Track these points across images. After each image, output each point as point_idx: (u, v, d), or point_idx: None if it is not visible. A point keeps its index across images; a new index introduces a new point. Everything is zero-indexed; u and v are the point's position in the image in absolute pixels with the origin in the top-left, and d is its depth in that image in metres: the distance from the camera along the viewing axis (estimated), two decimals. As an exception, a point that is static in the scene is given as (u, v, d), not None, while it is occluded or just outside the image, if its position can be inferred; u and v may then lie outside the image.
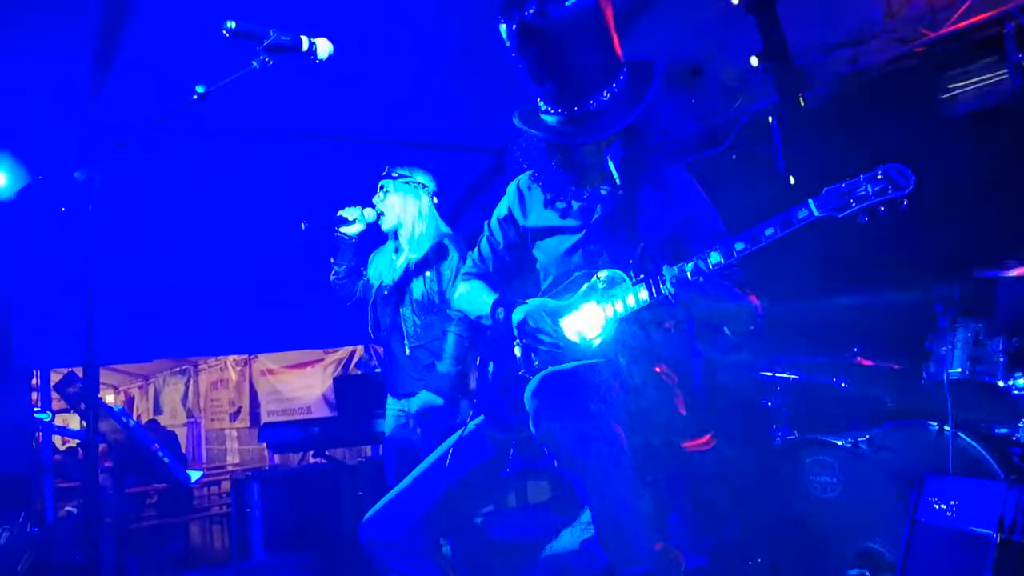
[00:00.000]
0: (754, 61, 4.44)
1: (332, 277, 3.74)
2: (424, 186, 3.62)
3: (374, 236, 3.72)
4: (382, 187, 3.61)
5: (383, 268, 3.68)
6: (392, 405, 3.63)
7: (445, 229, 3.63)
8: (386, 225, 3.61)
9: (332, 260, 3.72)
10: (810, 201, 1.95)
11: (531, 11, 2.02)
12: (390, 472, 3.62)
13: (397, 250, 3.66)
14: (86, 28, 3.77)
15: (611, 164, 2.20)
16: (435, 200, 3.66)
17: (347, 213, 3.58)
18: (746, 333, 2.21)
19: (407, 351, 3.49)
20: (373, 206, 3.61)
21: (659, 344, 2.31)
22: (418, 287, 3.50)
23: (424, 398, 3.45)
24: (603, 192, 2.34)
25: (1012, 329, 3.05)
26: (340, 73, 3.45)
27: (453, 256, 3.50)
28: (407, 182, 3.60)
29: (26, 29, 3.71)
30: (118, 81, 4.06)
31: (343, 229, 3.60)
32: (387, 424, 3.65)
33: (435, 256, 3.52)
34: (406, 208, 3.58)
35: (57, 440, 8.97)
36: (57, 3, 3.60)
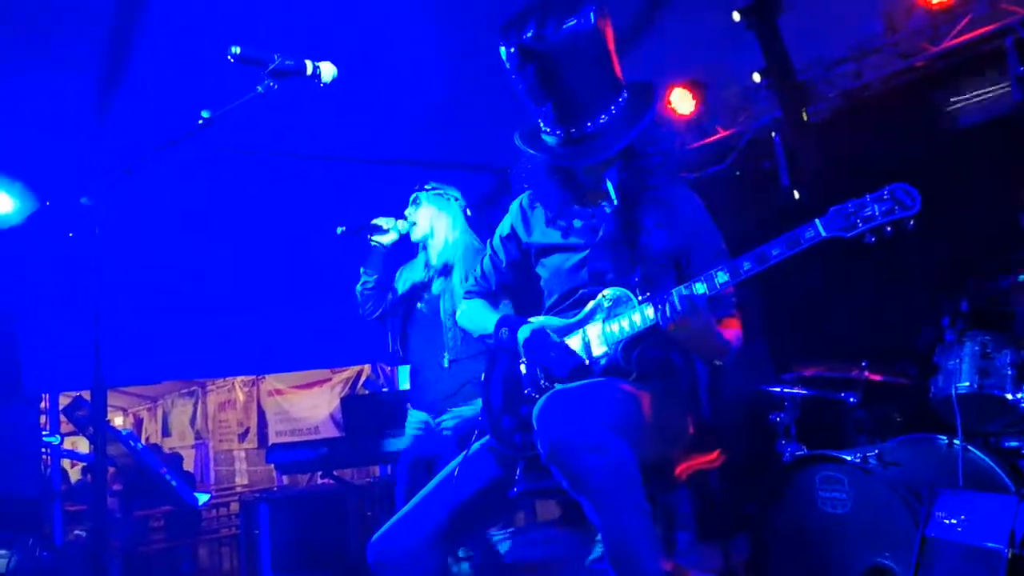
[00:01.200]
0: (756, 77, 4.47)
1: (360, 287, 3.67)
2: (456, 199, 3.64)
3: (402, 251, 3.70)
4: (415, 198, 3.61)
5: (416, 282, 3.64)
6: (414, 418, 3.58)
7: (478, 243, 3.59)
8: (416, 235, 3.60)
9: (362, 269, 3.66)
10: (817, 221, 1.96)
11: (530, 34, 2.03)
12: (400, 489, 3.58)
13: (427, 264, 3.63)
14: (92, 55, 3.81)
15: (610, 185, 2.22)
16: (468, 212, 3.66)
17: (382, 222, 3.57)
18: (712, 364, 2.21)
19: (446, 363, 3.45)
20: (405, 218, 3.61)
21: (666, 361, 2.31)
22: (459, 297, 3.45)
23: (455, 414, 3.42)
24: (607, 210, 2.34)
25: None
26: (344, 95, 3.49)
27: None
28: (440, 194, 3.62)
29: (33, 56, 3.75)
30: (124, 107, 4.11)
31: (376, 238, 3.58)
32: (405, 440, 3.60)
33: (469, 267, 3.51)
34: (438, 220, 3.59)
35: (66, 463, 8.96)
36: (64, 30, 3.64)
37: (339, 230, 3.55)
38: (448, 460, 3.25)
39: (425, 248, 3.63)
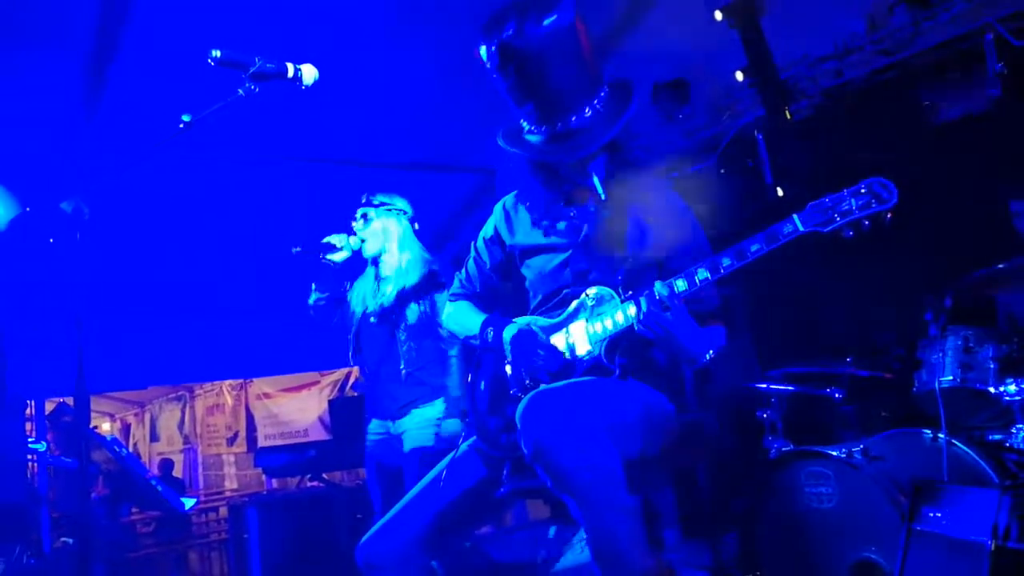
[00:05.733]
0: (739, 76, 4.48)
1: (312, 301, 3.70)
2: (404, 212, 3.66)
3: (354, 264, 3.72)
4: (364, 215, 3.62)
5: (367, 295, 3.67)
6: (375, 426, 3.61)
7: (427, 255, 3.67)
8: (368, 251, 3.62)
9: (313, 286, 3.68)
10: (795, 216, 1.97)
11: (510, 32, 2.04)
12: (376, 497, 3.61)
13: (378, 277, 3.67)
14: (75, 59, 3.79)
15: (596, 180, 2.22)
16: (415, 226, 3.69)
17: (334, 240, 3.57)
18: (694, 365, 2.22)
19: (402, 375, 3.49)
20: (354, 232, 3.62)
21: (650, 359, 2.31)
22: (412, 313, 3.52)
23: (419, 415, 3.46)
24: (590, 209, 2.35)
25: (1008, 335, 3.06)
26: (328, 97, 3.48)
27: (443, 284, 3.55)
28: (389, 209, 3.63)
29: (15, 61, 3.73)
30: (106, 111, 4.08)
31: (330, 256, 3.58)
32: (368, 444, 3.62)
33: (427, 283, 3.56)
34: (389, 235, 3.62)
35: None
36: (46, 35, 3.62)
37: (295, 250, 3.53)
38: (410, 475, 3.29)
39: (377, 263, 3.66)
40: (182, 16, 3.60)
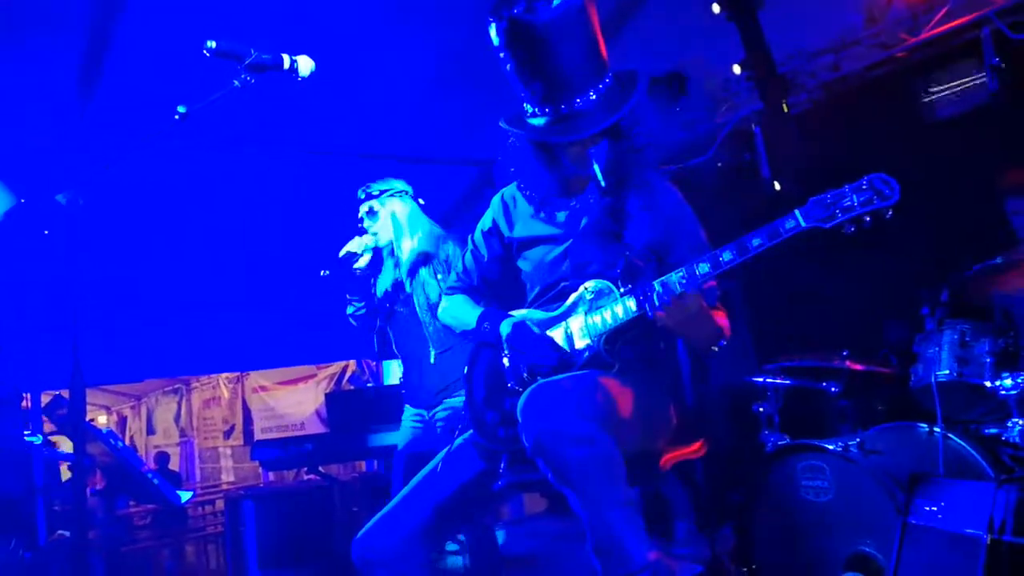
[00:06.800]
0: (737, 69, 4.47)
1: (351, 311, 3.65)
2: (405, 192, 3.60)
3: (377, 261, 3.66)
4: (369, 209, 3.56)
5: (389, 286, 3.61)
6: (409, 414, 3.54)
7: (439, 230, 3.56)
8: (383, 241, 3.56)
9: (348, 296, 3.64)
10: (796, 212, 1.96)
11: (521, 8, 2.04)
12: (397, 483, 3.54)
13: (397, 265, 3.58)
14: (70, 50, 3.77)
15: (596, 168, 2.21)
16: (420, 201, 3.62)
17: (352, 247, 3.51)
18: (708, 352, 2.22)
19: (432, 359, 3.42)
20: (365, 231, 3.56)
21: (648, 352, 2.31)
22: (432, 290, 3.40)
23: (447, 406, 3.37)
24: (590, 200, 2.34)
25: (1004, 330, 3.07)
26: (325, 88, 3.46)
27: (456, 250, 3.43)
28: (391, 193, 3.57)
29: (10, 52, 3.71)
30: (102, 102, 4.06)
31: (357, 265, 3.54)
32: (401, 434, 3.56)
33: (438, 254, 3.47)
34: (397, 219, 3.54)
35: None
36: (41, 27, 3.60)
37: (324, 273, 3.51)
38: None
39: (392, 253, 3.59)
40: (178, 6, 3.59)
